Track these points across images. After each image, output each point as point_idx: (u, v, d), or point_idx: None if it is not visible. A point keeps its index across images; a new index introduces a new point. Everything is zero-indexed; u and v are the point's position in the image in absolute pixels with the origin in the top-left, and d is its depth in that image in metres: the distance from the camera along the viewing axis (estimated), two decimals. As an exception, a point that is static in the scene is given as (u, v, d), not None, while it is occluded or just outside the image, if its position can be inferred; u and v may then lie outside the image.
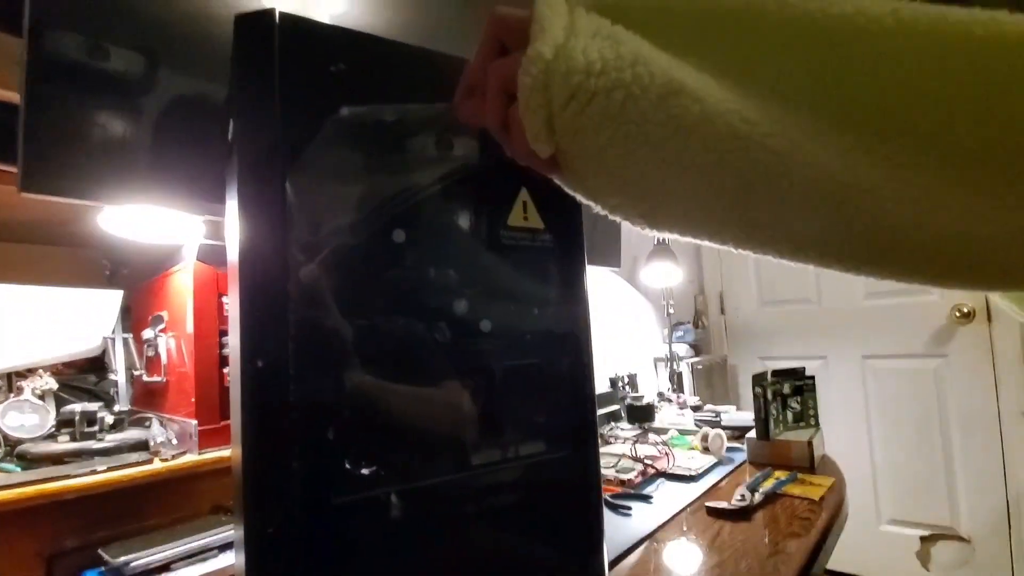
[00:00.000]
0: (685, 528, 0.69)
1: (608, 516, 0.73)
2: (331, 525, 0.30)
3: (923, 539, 1.86)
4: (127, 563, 0.54)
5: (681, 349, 1.95)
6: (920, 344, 1.92)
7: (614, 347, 1.76)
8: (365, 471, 0.32)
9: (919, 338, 1.92)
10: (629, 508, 0.75)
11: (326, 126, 0.32)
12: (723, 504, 0.73)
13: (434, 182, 0.37)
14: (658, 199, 0.27)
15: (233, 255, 0.32)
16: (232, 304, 0.36)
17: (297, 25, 0.30)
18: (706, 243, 0.29)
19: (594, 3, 0.26)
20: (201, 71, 0.60)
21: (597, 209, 0.30)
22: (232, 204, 0.32)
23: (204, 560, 0.58)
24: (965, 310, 1.83)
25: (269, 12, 0.29)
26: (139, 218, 0.68)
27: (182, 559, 0.57)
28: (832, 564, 2.11)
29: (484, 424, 0.36)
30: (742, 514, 0.72)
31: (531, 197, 0.41)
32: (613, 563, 0.58)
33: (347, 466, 0.32)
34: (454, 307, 0.37)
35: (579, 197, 0.31)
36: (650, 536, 0.66)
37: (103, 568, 0.56)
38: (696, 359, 1.98)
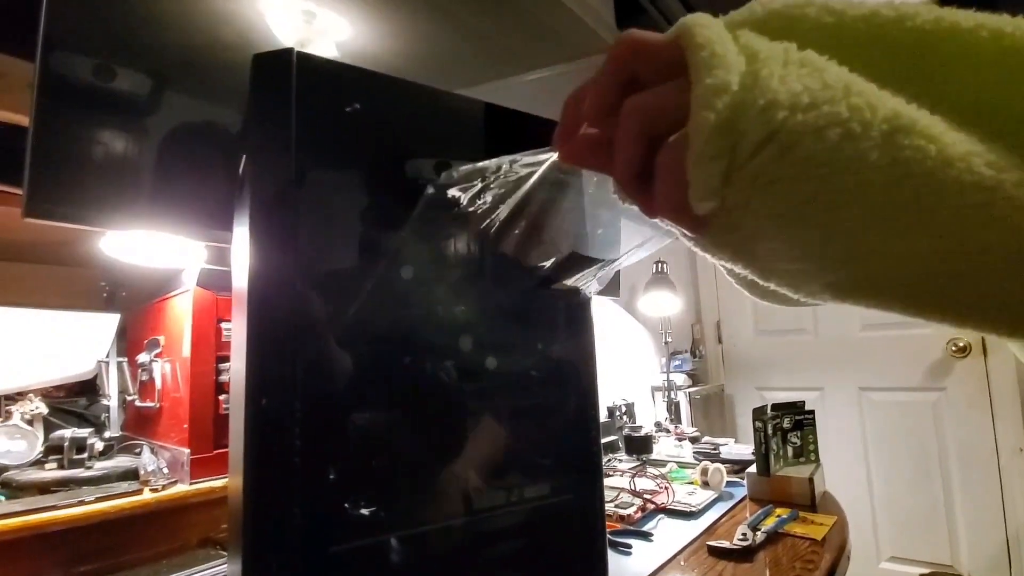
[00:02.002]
0: (687, 568, 0.68)
1: (608, 554, 0.71)
2: (329, 573, 0.29)
3: (923, 577, 1.83)
4: (111, 600, 0.52)
5: (679, 378, 1.94)
6: (917, 377, 1.92)
7: (611, 376, 1.75)
8: (365, 512, 0.32)
9: (916, 371, 1.92)
10: (630, 546, 0.74)
11: (339, 166, 0.32)
12: (725, 543, 0.72)
13: (440, 220, 0.38)
14: (861, 267, 0.22)
15: (241, 284, 0.32)
16: (237, 331, 0.36)
17: (314, 65, 0.30)
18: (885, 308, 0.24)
19: (755, 21, 0.22)
20: (208, 95, 0.61)
21: (744, 274, 0.25)
22: (242, 237, 0.32)
23: (191, 598, 0.56)
24: (961, 344, 1.83)
25: (287, 52, 0.30)
26: (140, 242, 0.68)
27: (169, 596, 0.55)
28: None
29: (487, 466, 0.36)
30: (744, 554, 0.70)
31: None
32: (614, 607, 0.57)
33: (347, 507, 0.31)
34: (460, 345, 0.36)
35: (721, 261, 0.25)
36: (652, 576, 0.65)
37: (86, 605, 0.54)
38: (693, 389, 1.97)
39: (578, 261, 0.37)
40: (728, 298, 2.36)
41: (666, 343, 1.88)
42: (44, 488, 0.64)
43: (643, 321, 1.95)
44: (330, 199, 0.31)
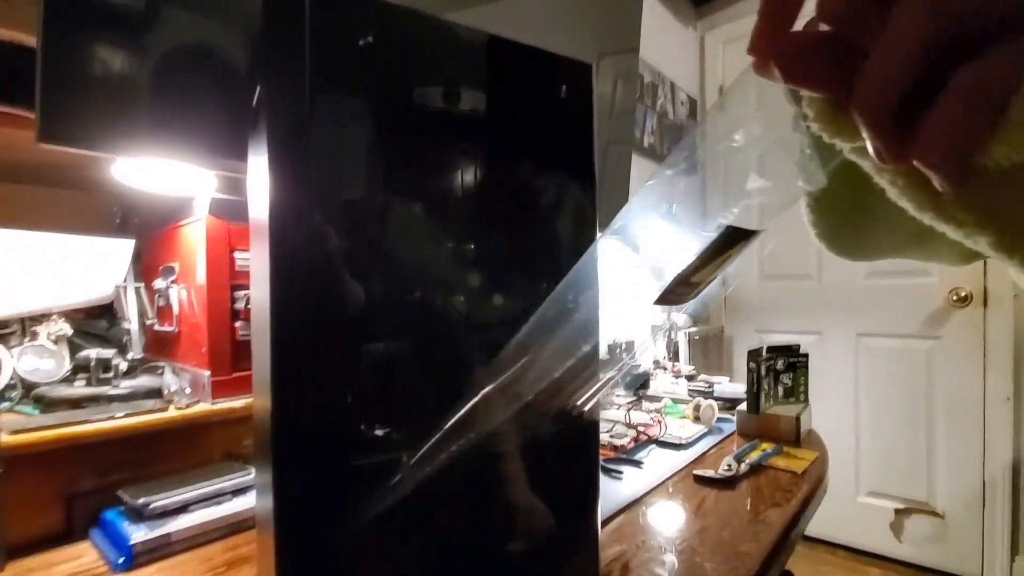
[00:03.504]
0: (672, 494, 0.73)
1: (601, 479, 0.77)
2: (349, 481, 0.32)
3: (898, 512, 1.94)
4: (147, 503, 0.57)
5: (680, 319, 1.98)
6: (915, 325, 1.95)
7: (614, 314, 1.78)
8: (379, 432, 0.35)
9: (915, 319, 1.95)
10: (621, 472, 0.79)
11: (353, 100, 0.32)
12: (710, 472, 0.77)
13: (455, 153, 0.38)
14: None
15: (259, 216, 0.33)
16: (256, 260, 0.37)
17: (327, -3, 0.30)
18: None
19: None
20: (221, 16, 0.59)
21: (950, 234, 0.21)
22: (259, 169, 0.33)
23: (219, 503, 0.61)
24: (963, 294, 1.85)
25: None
26: (152, 169, 0.68)
27: (198, 501, 0.60)
28: (810, 531, 2.21)
29: (491, 395, 0.38)
30: (727, 483, 0.75)
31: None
32: (603, 523, 0.62)
33: (363, 427, 0.34)
34: (467, 281, 0.38)
35: (942, 224, 0.21)
36: (639, 500, 0.70)
37: (122, 508, 0.59)
38: (693, 329, 2.01)
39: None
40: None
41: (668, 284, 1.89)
42: (75, 403, 0.68)
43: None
44: (345, 133, 0.32)
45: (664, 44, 2.09)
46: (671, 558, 0.54)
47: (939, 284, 1.89)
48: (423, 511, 0.36)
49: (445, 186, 0.38)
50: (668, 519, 0.65)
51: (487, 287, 0.39)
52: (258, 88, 0.35)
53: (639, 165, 1.90)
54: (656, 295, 0.34)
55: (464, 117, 0.38)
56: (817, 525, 2.10)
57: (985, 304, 1.82)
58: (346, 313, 0.33)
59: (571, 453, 0.43)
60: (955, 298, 1.86)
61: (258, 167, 0.34)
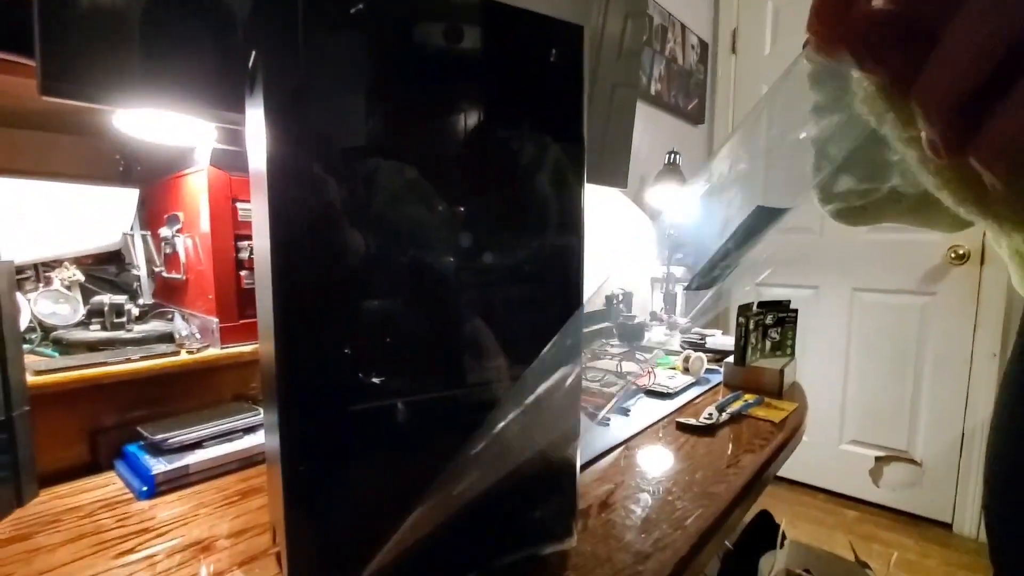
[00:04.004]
0: (655, 439, 0.77)
1: (589, 425, 0.81)
2: (349, 426, 0.36)
3: (877, 459, 2.03)
4: (165, 439, 0.62)
5: (678, 271, 2.00)
6: (912, 281, 1.96)
7: (612, 265, 1.80)
8: (376, 380, 0.38)
9: (912, 275, 1.96)
10: (608, 419, 0.84)
11: (347, 60, 0.34)
12: (692, 420, 0.81)
13: (448, 111, 0.39)
14: None
15: (258, 169, 0.35)
16: (257, 211, 0.39)
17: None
18: None
19: None
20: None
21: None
22: (257, 127, 0.34)
23: (231, 441, 0.66)
24: (961, 252, 1.85)
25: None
26: (153, 120, 0.69)
27: (212, 438, 0.65)
28: (791, 475, 2.30)
29: (480, 348, 0.41)
30: (708, 430, 0.80)
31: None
32: (588, 464, 0.67)
33: (360, 376, 0.37)
34: (458, 239, 0.40)
35: (1010, 235, 0.22)
36: (623, 444, 0.74)
37: (143, 443, 0.64)
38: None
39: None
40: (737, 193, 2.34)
41: (670, 234, 1.90)
42: (92, 346, 0.72)
43: (650, 213, 1.95)
44: (339, 90, 0.33)
45: (676, -17, 2.00)
46: (646, 497, 0.59)
47: (939, 241, 1.89)
48: (417, 449, 0.40)
49: (438, 143, 0.39)
50: (648, 462, 0.70)
51: (478, 242, 0.41)
52: (253, 52, 0.36)
53: (645, 114, 1.86)
54: (689, 282, 0.35)
55: (457, 74, 0.39)
56: (799, 470, 2.21)
57: (982, 262, 1.83)
58: (344, 262, 0.35)
59: (555, 404, 0.46)
60: (953, 255, 1.87)
61: (256, 124, 0.35)
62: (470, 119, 0.40)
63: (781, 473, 2.29)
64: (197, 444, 0.64)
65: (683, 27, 2.00)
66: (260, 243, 0.39)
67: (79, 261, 0.87)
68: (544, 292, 0.45)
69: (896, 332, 2.01)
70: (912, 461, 1.98)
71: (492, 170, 0.42)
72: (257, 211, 0.41)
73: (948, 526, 1.91)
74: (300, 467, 0.35)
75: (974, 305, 1.85)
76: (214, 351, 0.75)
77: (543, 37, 0.42)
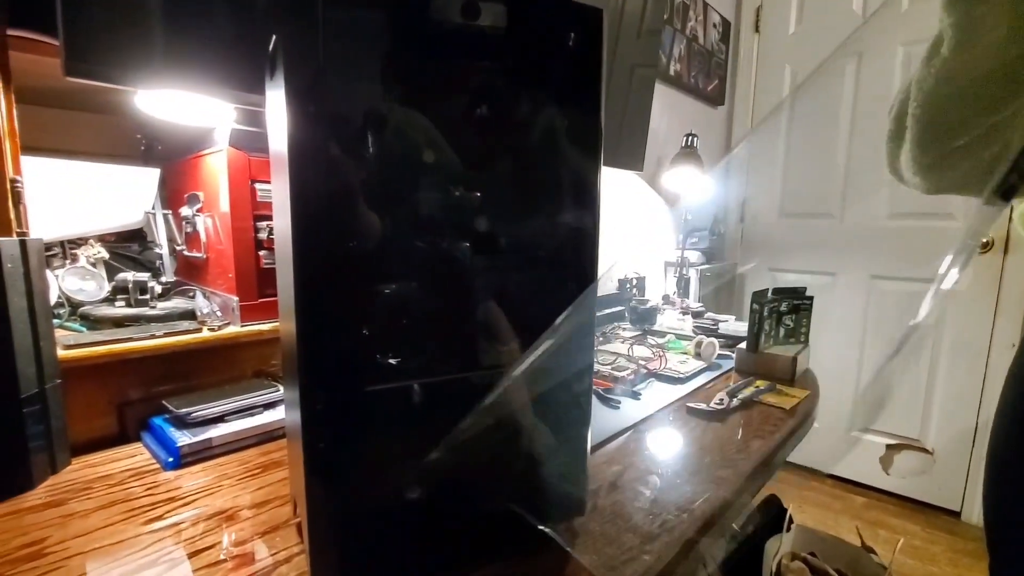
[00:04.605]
0: (665, 423, 0.78)
1: (600, 408, 0.82)
2: (366, 404, 0.37)
3: (888, 447, 2.03)
4: (189, 413, 0.65)
5: (693, 256, 1.99)
6: (931, 269, 1.93)
7: (626, 249, 1.79)
8: (392, 361, 0.39)
9: (932, 263, 1.93)
10: (619, 402, 0.84)
11: (366, 48, 0.34)
12: (702, 405, 0.82)
13: (465, 96, 0.40)
14: None
15: (279, 151, 0.35)
16: (278, 192, 0.40)
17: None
18: None
19: None
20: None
21: None
22: (277, 109, 0.35)
23: (252, 415, 0.68)
24: (985, 240, 1.81)
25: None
26: (174, 100, 0.70)
27: (234, 413, 0.67)
28: (801, 460, 2.31)
29: (494, 331, 0.42)
30: (718, 415, 0.80)
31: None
32: (599, 446, 0.68)
33: (378, 357, 0.38)
34: (473, 223, 0.40)
35: None
36: (633, 427, 0.75)
37: (168, 416, 0.66)
38: (706, 266, 2.02)
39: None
40: (758, 178, 2.30)
41: (686, 219, 1.89)
42: (118, 322, 0.74)
43: (665, 196, 1.94)
44: (358, 74, 0.34)
45: (699, -41, 1.94)
46: (655, 479, 0.60)
47: (962, 229, 1.85)
48: (432, 427, 0.41)
49: (456, 125, 0.40)
50: (658, 446, 0.71)
51: (494, 224, 0.42)
52: (274, 37, 0.36)
53: (664, 96, 1.83)
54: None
55: (474, 56, 0.39)
56: (809, 455, 2.21)
57: (1006, 251, 1.79)
58: (363, 243, 0.36)
59: (567, 384, 0.47)
60: (981, 243, 1.82)
61: (277, 106, 0.36)
62: (488, 101, 0.40)
63: (792, 459, 2.30)
64: (219, 418, 0.66)
65: (705, 4, 1.94)
66: (281, 223, 0.40)
67: (103, 239, 0.89)
68: (559, 275, 0.45)
69: (912, 320, 1.98)
70: (923, 449, 1.97)
71: (508, 153, 0.42)
72: (278, 191, 0.42)
73: (956, 514, 1.91)
74: (320, 443, 0.37)
75: (994, 294, 1.82)
76: (235, 329, 0.77)
77: (562, 19, 0.42)
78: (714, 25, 2.04)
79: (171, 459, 0.60)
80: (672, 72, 1.83)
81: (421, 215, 0.38)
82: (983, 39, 0.33)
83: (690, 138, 1.74)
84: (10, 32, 0.61)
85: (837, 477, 2.17)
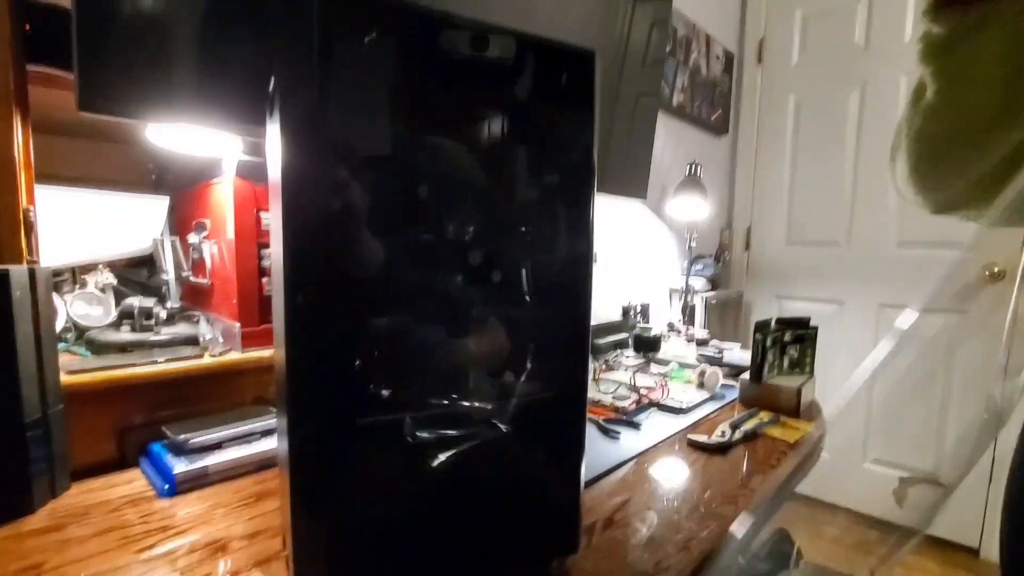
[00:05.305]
0: (665, 456, 0.77)
1: (598, 438, 0.82)
2: (355, 439, 0.37)
3: (902, 480, 1.98)
4: (187, 440, 0.65)
5: (698, 283, 1.98)
6: (942, 298, 1.91)
7: (631, 276, 1.80)
8: (383, 393, 0.39)
9: (942, 292, 1.91)
10: (619, 433, 0.84)
11: (359, 91, 0.35)
12: (703, 438, 0.81)
13: (459, 134, 0.41)
14: None
15: (276, 181, 0.37)
16: (275, 220, 0.41)
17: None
18: None
19: None
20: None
21: None
22: (274, 145, 0.36)
23: (249, 443, 0.68)
24: (996, 270, 1.79)
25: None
26: (183, 133, 0.72)
27: (231, 440, 0.67)
28: (812, 493, 2.26)
29: (486, 365, 0.42)
30: (719, 449, 0.79)
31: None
32: (595, 479, 0.67)
33: (370, 389, 0.38)
34: (466, 257, 0.41)
35: None
36: (632, 459, 0.75)
37: (166, 442, 0.67)
38: (711, 293, 2.02)
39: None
40: (764, 205, 2.31)
41: (690, 247, 1.89)
42: (122, 348, 0.75)
43: (669, 224, 1.94)
44: (352, 118, 0.35)
45: (703, -7, 1.99)
46: (652, 515, 0.59)
47: (972, 258, 1.84)
48: (422, 462, 0.41)
49: (449, 163, 0.41)
50: (656, 480, 0.70)
51: (488, 258, 0.42)
52: (273, 78, 0.38)
53: (667, 125, 1.85)
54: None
55: (468, 99, 0.41)
56: (821, 487, 2.16)
57: (1017, 280, 1.77)
58: (355, 275, 0.37)
59: (559, 416, 0.47)
60: (988, 274, 1.81)
61: (274, 141, 0.37)
62: (481, 141, 0.41)
63: (802, 491, 2.24)
64: (217, 445, 0.67)
65: (708, 37, 1.98)
66: (276, 251, 0.41)
67: (114, 264, 0.91)
68: (552, 306, 0.46)
69: (924, 350, 1.95)
70: (938, 483, 1.92)
71: (502, 189, 0.43)
72: (274, 220, 0.43)
73: (975, 551, 1.85)
74: (305, 478, 0.37)
75: (1005, 325, 1.79)
76: (236, 355, 0.78)
77: (556, 62, 0.43)
78: (717, 57, 2.07)
79: (167, 486, 0.61)
80: (675, 103, 1.85)
81: (414, 248, 0.38)
82: (961, 83, 0.37)
83: (694, 167, 1.76)
84: (30, 68, 0.64)
85: (849, 510, 2.11)
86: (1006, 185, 0.40)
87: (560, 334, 0.46)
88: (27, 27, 0.66)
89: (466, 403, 0.42)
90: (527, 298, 0.44)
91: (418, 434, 0.40)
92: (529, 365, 0.43)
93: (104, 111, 0.56)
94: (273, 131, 0.38)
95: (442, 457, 0.41)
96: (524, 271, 0.43)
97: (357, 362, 0.38)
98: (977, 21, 0.33)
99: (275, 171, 0.38)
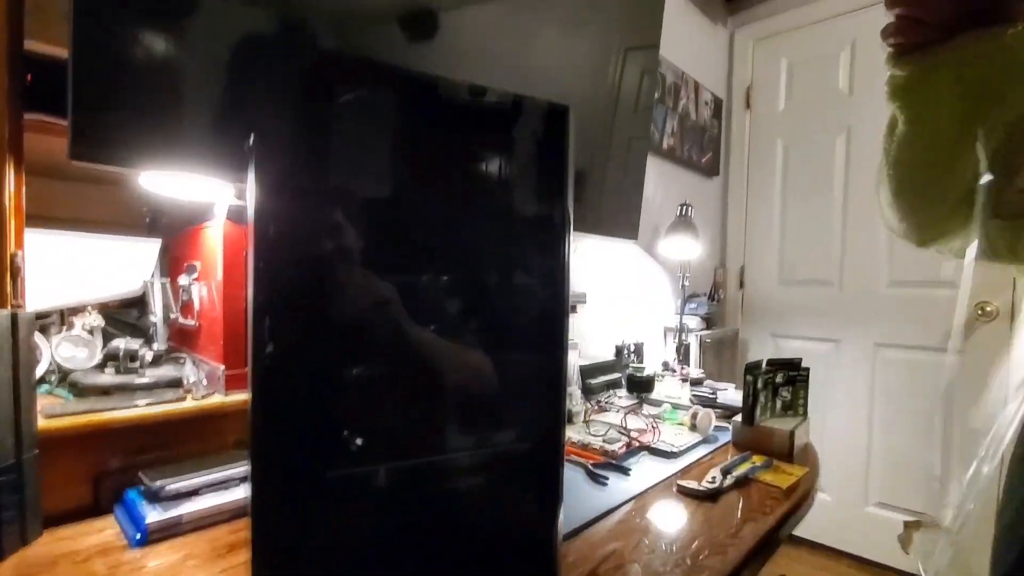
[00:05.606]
0: (654, 503, 0.76)
1: (586, 484, 0.80)
2: (323, 494, 0.36)
3: (907, 524, 1.92)
4: (162, 487, 0.64)
5: (692, 322, 1.98)
6: (936, 338, 1.91)
7: (624, 315, 1.80)
8: (354, 446, 0.39)
9: (936, 332, 1.91)
10: (607, 478, 0.82)
11: (332, 147, 0.36)
12: (693, 484, 0.79)
13: (435, 187, 0.41)
14: None
15: (250, 233, 0.37)
16: (248, 267, 0.42)
17: (317, 58, 0.34)
18: None
19: None
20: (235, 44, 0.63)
21: None
22: (250, 204, 0.37)
23: (227, 489, 0.67)
24: (989, 308, 1.80)
25: (292, 42, 0.33)
26: (174, 179, 0.73)
27: (208, 487, 0.66)
28: (815, 537, 2.19)
29: (458, 415, 0.42)
30: (710, 496, 0.78)
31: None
32: (578, 530, 0.65)
33: (337, 443, 0.38)
34: (439, 308, 0.41)
35: None
36: (618, 507, 0.73)
37: (141, 489, 0.65)
38: (706, 332, 2.01)
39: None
40: (756, 245, 2.33)
41: (683, 286, 1.90)
42: (104, 390, 0.75)
43: (663, 263, 1.96)
44: (324, 172, 0.36)
45: (691, 42, 2.07)
46: (636, 568, 0.57)
47: (965, 297, 1.84)
48: (392, 516, 0.40)
49: (423, 218, 0.41)
50: (644, 529, 0.68)
51: (460, 308, 0.43)
52: (251, 135, 0.39)
53: (659, 168, 1.89)
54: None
55: (443, 153, 0.42)
56: (823, 532, 2.10)
57: (1012, 318, 1.77)
58: (323, 326, 0.37)
59: (534, 467, 0.46)
60: (980, 312, 1.81)
61: (250, 194, 0.38)
62: (456, 193, 0.42)
63: (804, 535, 2.17)
64: (193, 492, 0.65)
65: (696, 84, 2.05)
66: (248, 295, 0.42)
67: (106, 305, 0.91)
68: (527, 357, 0.46)
69: (921, 390, 1.94)
70: (945, 527, 1.86)
71: (476, 239, 0.44)
72: (248, 265, 0.43)
73: (987, 603, 1.78)
74: (268, 532, 0.36)
75: (1005, 365, 1.78)
76: (219, 398, 0.77)
77: (530, 118, 0.45)
78: (706, 103, 2.13)
79: (138, 536, 0.59)
80: (665, 146, 1.90)
81: (383, 299, 0.39)
82: (925, 116, 0.42)
83: (685, 207, 1.78)
84: (30, 116, 0.66)
85: (853, 556, 2.04)
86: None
87: (535, 384, 0.46)
88: (28, 78, 0.68)
89: (438, 454, 0.41)
90: (501, 346, 0.44)
91: (388, 486, 0.39)
92: (502, 415, 0.43)
93: (95, 160, 0.58)
94: (251, 182, 0.39)
95: (413, 510, 0.40)
96: (497, 319, 0.44)
97: (326, 413, 0.38)
98: (931, 65, 0.39)
99: (250, 220, 0.38)
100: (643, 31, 1.43)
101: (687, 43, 2.03)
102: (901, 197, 0.49)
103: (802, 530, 2.12)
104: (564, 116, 0.46)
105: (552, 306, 0.46)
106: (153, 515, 0.60)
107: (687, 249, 1.79)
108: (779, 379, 1.07)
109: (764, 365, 1.06)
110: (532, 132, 0.44)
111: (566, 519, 0.64)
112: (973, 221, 0.44)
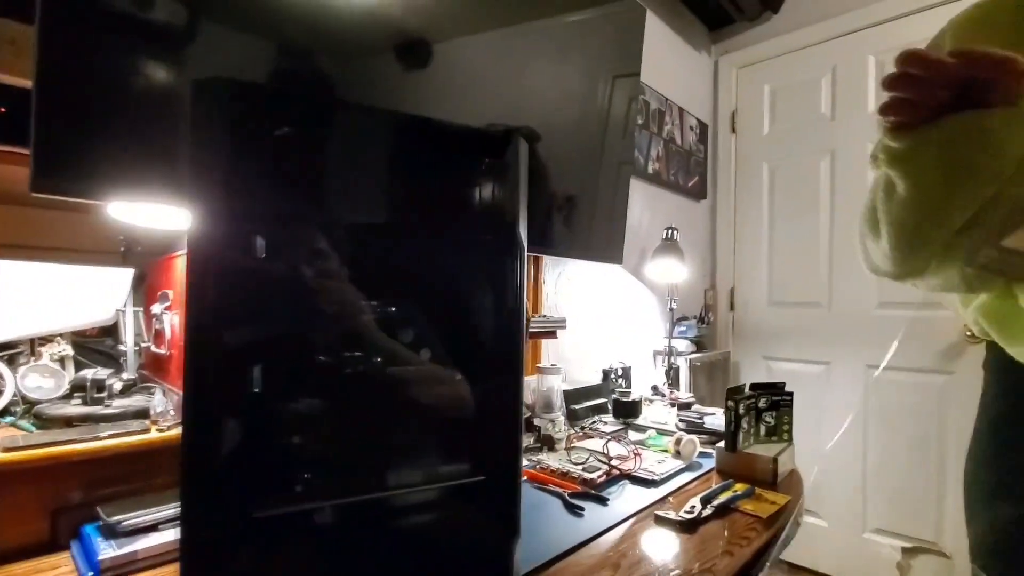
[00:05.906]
0: (629, 535, 0.74)
1: (562, 514, 0.78)
2: (252, 534, 0.35)
3: (905, 551, 1.88)
4: (119, 522, 0.62)
5: (681, 344, 1.97)
6: (927, 359, 1.89)
7: (612, 339, 1.79)
8: (289, 487, 0.38)
9: (927, 353, 1.90)
10: (583, 509, 0.80)
11: (271, 178, 0.36)
12: (671, 514, 0.77)
13: (381, 216, 0.41)
14: None
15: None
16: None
17: (248, 94, 0.34)
18: None
19: None
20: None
21: None
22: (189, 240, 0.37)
23: (186, 525, 0.65)
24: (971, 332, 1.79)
25: (223, 81, 0.33)
26: (145, 208, 0.73)
27: (167, 522, 0.64)
28: (813, 565, 2.14)
29: (403, 450, 0.41)
30: (688, 526, 0.76)
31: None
32: (546, 565, 0.63)
33: (268, 481, 0.37)
34: (381, 341, 0.41)
35: None
36: (593, 539, 0.71)
37: (99, 524, 0.64)
38: (696, 355, 2.00)
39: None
40: (745, 267, 2.33)
41: (671, 309, 1.89)
42: (68, 422, 0.73)
43: (650, 286, 1.96)
44: (264, 203, 0.36)
45: (677, 69, 2.11)
46: (603, 603, 0.55)
47: (954, 319, 1.84)
48: (335, 558, 0.39)
49: (369, 249, 0.41)
50: (614, 563, 0.66)
51: (407, 339, 0.42)
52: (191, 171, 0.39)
53: (645, 192, 1.91)
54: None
55: (386, 182, 0.42)
56: (821, 560, 2.05)
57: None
58: (259, 359, 0.36)
59: (489, 501, 0.45)
60: (969, 333, 1.80)
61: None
62: (400, 223, 0.42)
63: (801, 563, 2.12)
64: (152, 527, 0.63)
65: (681, 110, 2.08)
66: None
67: (81, 333, 0.90)
68: (480, 387, 0.45)
69: (915, 412, 1.92)
70: (942, 554, 1.82)
71: (424, 271, 0.43)
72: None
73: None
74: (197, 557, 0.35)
75: (995, 386, 1.76)
76: (185, 429, 0.76)
77: (480, 146, 0.45)
78: (691, 127, 2.16)
79: (91, 574, 0.57)
80: (651, 170, 1.92)
81: (327, 330, 0.38)
82: (923, 183, 0.45)
83: (670, 231, 1.79)
84: (1, 147, 0.66)
85: (854, 587, 1.99)
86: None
87: (489, 413, 0.45)
88: (2, 109, 0.69)
89: (385, 490, 0.40)
90: (452, 375, 0.43)
91: (329, 526, 0.38)
92: (452, 446, 0.42)
93: (57, 192, 0.58)
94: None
95: (358, 551, 0.39)
96: (445, 346, 0.43)
97: (257, 449, 0.37)
98: (924, 138, 0.43)
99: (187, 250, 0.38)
100: (627, 59, 1.45)
101: (672, 70, 2.07)
102: (900, 250, 0.53)
103: (799, 557, 2.07)
104: (515, 144, 0.46)
105: (506, 332, 0.46)
106: (107, 551, 0.58)
107: (673, 272, 1.79)
108: (762, 403, 1.06)
109: (747, 389, 1.05)
110: (480, 158, 0.44)
111: (537, 552, 0.63)
112: (948, 265, 0.49)
